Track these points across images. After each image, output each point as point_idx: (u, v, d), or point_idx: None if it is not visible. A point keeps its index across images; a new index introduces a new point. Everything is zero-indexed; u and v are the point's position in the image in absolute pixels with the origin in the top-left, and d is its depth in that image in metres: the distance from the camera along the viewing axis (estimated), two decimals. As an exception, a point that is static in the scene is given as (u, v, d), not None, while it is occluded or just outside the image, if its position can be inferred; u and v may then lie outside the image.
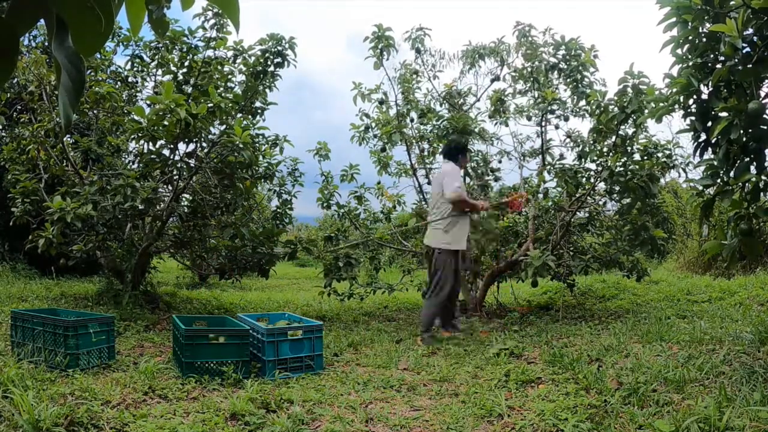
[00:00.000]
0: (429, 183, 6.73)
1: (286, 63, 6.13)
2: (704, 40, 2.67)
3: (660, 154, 5.32)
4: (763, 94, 2.61)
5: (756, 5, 2.34)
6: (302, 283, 11.97)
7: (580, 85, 5.95)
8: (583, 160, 5.57)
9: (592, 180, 5.53)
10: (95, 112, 5.80)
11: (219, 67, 5.57)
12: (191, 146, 5.16)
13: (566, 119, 6.24)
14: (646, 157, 5.25)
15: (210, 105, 4.68)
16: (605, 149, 5.35)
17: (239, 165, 4.98)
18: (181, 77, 5.58)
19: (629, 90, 4.74)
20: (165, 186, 5.49)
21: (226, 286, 9.82)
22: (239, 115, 5.90)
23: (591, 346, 4.04)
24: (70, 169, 5.54)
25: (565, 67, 6.03)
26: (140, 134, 4.65)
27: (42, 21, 0.87)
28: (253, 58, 6.03)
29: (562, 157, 6.10)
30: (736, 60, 2.52)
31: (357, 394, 3.11)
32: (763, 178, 2.59)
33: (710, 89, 2.72)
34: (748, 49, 2.53)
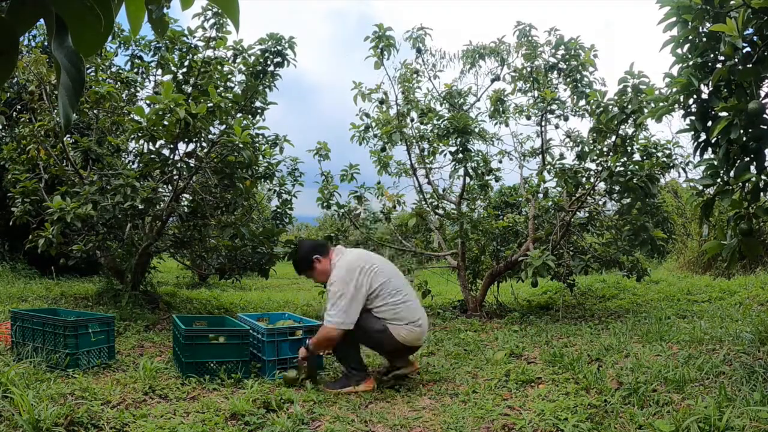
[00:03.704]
0: (429, 183, 6.74)
1: (285, 63, 6.14)
2: (704, 39, 2.67)
3: (660, 154, 5.32)
4: (763, 94, 2.61)
5: (756, 5, 2.34)
6: (302, 283, 11.97)
7: (579, 85, 5.96)
8: (582, 160, 5.57)
9: (592, 180, 5.53)
10: (95, 112, 5.79)
11: (219, 67, 5.57)
12: (191, 146, 5.16)
13: (566, 119, 6.25)
14: (646, 157, 5.25)
15: (210, 105, 4.67)
16: (605, 149, 5.35)
17: (239, 165, 4.97)
18: (180, 77, 5.57)
19: (629, 90, 4.74)
20: (165, 186, 5.48)
21: (226, 286, 9.82)
22: (239, 114, 5.90)
23: (591, 346, 4.04)
24: (70, 169, 5.53)
25: (565, 66, 6.03)
26: (140, 134, 4.65)
27: (42, 21, 0.87)
28: (252, 58, 6.04)
29: (562, 156, 6.11)
30: (736, 60, 2.52)
31: (357, 394, 3.11)
32: (763, 178, 2.59)
33: (710, 89, 2.72)
34: (748, 48, 2.53)
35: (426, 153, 6.64)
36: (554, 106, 6.07)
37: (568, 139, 6.49)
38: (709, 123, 2.74)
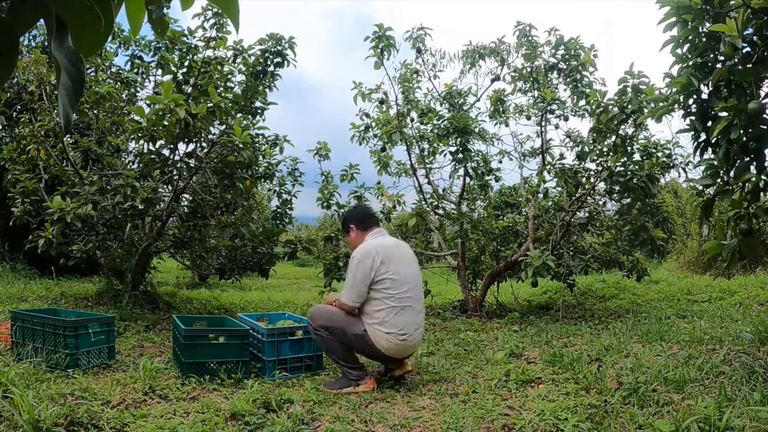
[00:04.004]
0: (429, 183, 6.73)
1: (285, 63, 6.14)
2: (704, 39, 2.67)
3: (660, 154, 5.32)
4: (763, 94, 2.60)
5: (756, 5, 2.34)
6: (302, 283, 11.97)
7: (579, 85, 5.96)
8: (582, 160, 5.57)
9: (592, 180, 5.53)
10: (95, 112, 5.80)
11: (219, 67, 5.57)
12: (191, 146, 5.16)
13: (566, 119, 6.24)
14: (646, 157, 5.25)
15: (210, 105, 4.67)
16: (605, 149, 5.35)
17: (239, 165, 4.97)
18: (180, 77, 5.57)
19: (629, 90, 4.74)
20: (165, 186, 5.48)
21: (226, 286, 9.82)
22: (239, 114, 5.90)
23: (591, 346, 4.04)
24: (70, 169, 5.53)
25: (565, 66, 6.03)
26: (140, 134, 4.65)
27: (42, 21, 0.87)
28: (252, 58, 6.04)
29: (562, 156, 6.11)
30: (736, 60, 2.52)
31: (357, 394, 3.11)
32: (763, 177, 2.59)
33: (710, 89, 2.72)
34: (748, 48, 2.53)
35: (426, 153, 6.64)
36: (554, 106, 6.07)
37: (568, 139, 6.49)
38: (709, 123, 2.73)
